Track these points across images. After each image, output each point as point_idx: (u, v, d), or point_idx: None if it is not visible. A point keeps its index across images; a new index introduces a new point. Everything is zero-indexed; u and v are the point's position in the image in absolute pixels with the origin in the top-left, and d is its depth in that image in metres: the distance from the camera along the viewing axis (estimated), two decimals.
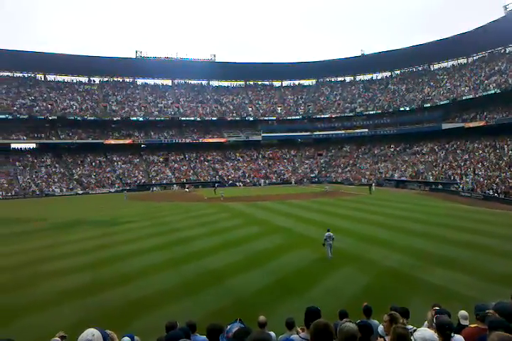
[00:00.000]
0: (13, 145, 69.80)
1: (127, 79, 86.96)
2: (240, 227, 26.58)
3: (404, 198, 43.35)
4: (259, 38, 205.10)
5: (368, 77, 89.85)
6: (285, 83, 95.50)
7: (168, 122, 78.89)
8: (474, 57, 73.13)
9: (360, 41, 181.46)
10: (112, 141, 72.99)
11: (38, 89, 75.19)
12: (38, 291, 13.96)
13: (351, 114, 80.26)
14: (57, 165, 68.11)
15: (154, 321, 10.22)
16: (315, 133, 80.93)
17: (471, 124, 57.45)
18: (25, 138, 67.67)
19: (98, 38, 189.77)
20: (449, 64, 77.59)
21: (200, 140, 78.50)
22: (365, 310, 6.64)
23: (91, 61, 74.58)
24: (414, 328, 5.08)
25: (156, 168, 73.23)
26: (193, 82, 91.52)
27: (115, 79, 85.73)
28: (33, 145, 71.82)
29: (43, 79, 79.15)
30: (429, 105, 67.62)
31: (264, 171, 75.88)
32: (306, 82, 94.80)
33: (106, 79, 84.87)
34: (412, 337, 3.51)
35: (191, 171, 73.69)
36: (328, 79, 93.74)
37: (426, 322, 5.77)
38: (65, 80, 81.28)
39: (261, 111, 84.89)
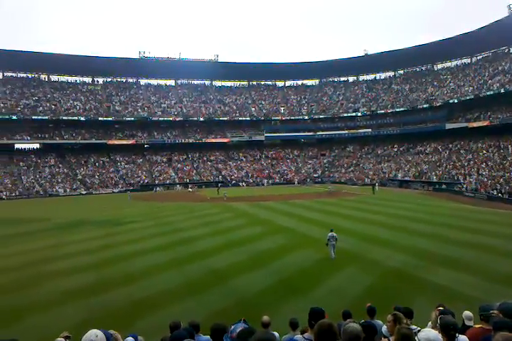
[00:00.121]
0: (16, 146, 70.02)
1: (130, 80, 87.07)
2: (243, 227, 26.58)
3: (408, 198, 43.26)
4: (262, 38, 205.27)
5: (371, 76, 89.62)
6: (288, 83, 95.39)
7: (171, 122, 78.98)
8: (478, 57, 72.84)
9: (363, 41, 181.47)
10: (116, 141, 73.10)
11: (41, 89, 75.39)
12: (42, 291, 14.00)
13: (354, 114, 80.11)
14: (60, 166, 68.29)
15: (158, 321, 10.24)
16: (318, 133, 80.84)
17: (475, 124, 57.25)
18: (28, 138, 67.89)
19: (101, 38, 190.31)
20: (452, 64, 77.31)
21: (203, 140, 78.51)
22: (368, 310, 6.63)
23: (94, 61, 74.72)
24: (419, 328, 5.07)
25: (159, 168, 73.31)
26: (196, 82, 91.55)
27: (118, 79, 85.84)
28: (36, 146, 72.01)
29: (46, 79, 79.30)
30: (432, 105, 67.42)
31: (267, 171, 75.86)
32: (309, 82, 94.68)
33: (109, 79, 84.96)
34: (416, 338, 3.50)
35: (194, 171, 73.75)
36: (331, 79, 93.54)
37: (430, 323, 5.75)
38: (69, 81, 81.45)
39: (264, 111, 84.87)
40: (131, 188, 63.22)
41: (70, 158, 70.97)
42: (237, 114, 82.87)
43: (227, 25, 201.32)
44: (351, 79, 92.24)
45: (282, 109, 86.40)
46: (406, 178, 58.99)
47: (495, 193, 41.01)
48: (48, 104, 71.82)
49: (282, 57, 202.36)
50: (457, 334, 4.12)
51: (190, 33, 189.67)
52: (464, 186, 46.96)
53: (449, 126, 61.29)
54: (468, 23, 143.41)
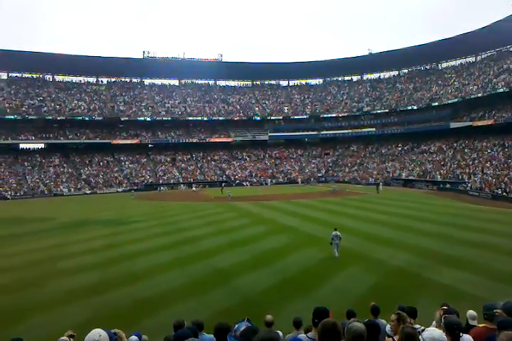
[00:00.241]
0: (21, 146, 70.28)
1: (135, 80, 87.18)
2: (246, 227, 26.61)
3: (412, 197, 43.15)
4: (266, 37, 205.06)
5: (375, 76, 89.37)
6: (292, 82, 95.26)
7: (175, 122, 79.05)
8: (482, 56, 72.53)
9: (367, 40, 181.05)
10: (120, 141, 73.23)
11: (46, 89, 75.64)
12: (46, 290, 14.08)
13: (358, 113, 79.91)
14: (65, 165, 68.51)
15: (161, 320, 10.27)
16: (322, 132, 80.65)
17: (480, 123, 57.02)
18: (33, 138, 68.14)
19: (106, 38, 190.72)
20: (457, 62, 77.02)
21: (207, 140, 78.55)
22: (372, 309, 6.63)
23: (99, 62, 74.89)
24: (423, 328, 5.06)
25: (163, 167, 73.43)
26: (200, 81, 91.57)
27: (123, 79, 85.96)
28: (41, 146, 72.25)
29: (51, 79, 79.54)
30: (437, 104, 67.15)
31: (270, 171, 75.84)
32: (313, 82, 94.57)
33: (114, 79, 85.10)
34: (420, 337, 3.49)
35: (198, 171, 73.81)
36: (335, 79, 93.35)
37: (434, 322, 5.75)
38: (73, 81, 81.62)
39: (268, 111, 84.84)
40: (135, 188, 63.32)
41: (75, 158, 71.19)
42: (241, 114, 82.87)
43: (231, 25, 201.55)
44: (355, 78, 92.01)
45: (286, 108, 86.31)
46: (410, 178, 58.83)
47: (499, 192, 40.86)
48: (52, 104, 72.05)
49: (286, 56, 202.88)
50: (461, 334, 4.11)
51: (194, 33, 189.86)
52: (469, 185, 46.80)
53: (453, 125, 61.01)
54: (473, 21, 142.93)
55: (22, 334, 5.60)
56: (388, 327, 5.49)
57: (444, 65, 79.07)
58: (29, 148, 71.38)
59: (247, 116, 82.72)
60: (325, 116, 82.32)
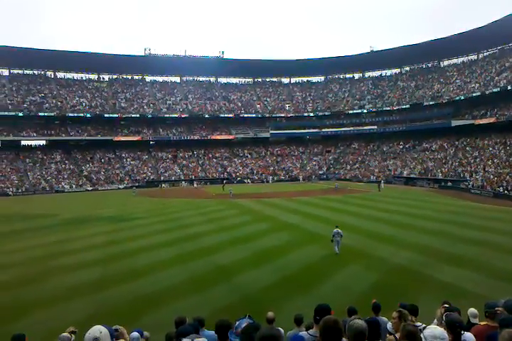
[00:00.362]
0: (23, 142, 70.22)
1: (136, 77, 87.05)
2: (248, 224, 26.64)
3: (413, 195, 43.13)
4: (268, 35, 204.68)
5: (377, 73, 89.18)
6: (293, 80, 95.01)
7: (176, 119, 79.06)
8: (485, 54, 72.25)
9: (369, 38, 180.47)
10: (121, 138, 73.22)
11: (47, 86, 75.62)
12: (48, 286, 14.11)
13: (360, 111, 79.81)
14: (66, 162, 68.58)
15: (163, 317, 10.30)
16: (323, 130, 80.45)
17: (481, 121, 56.93)
18: (35, 134, 68.19)
19: (107, 35, 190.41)
20: (459, 60, 76.71)
21: (209, 137, 78.51)
22: (373, 307, 6.64)
23: (100, 58, 74.82)
24: (424, 325, 5.06)
25: (164, 164, 73.46)
26: (201, 79, 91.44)
27: (124, 76, 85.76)
28: (42, 142, 72.29)
29: (52, 76, 79.52)
30: (438, 102, 67.04)
31: (272, 168, 75.81)
32: (314, 79, 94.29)
33: (115, 76, 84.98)
34: (421, 335, 3.49)
35: (199, 168, 73.82)
36: (336, 76, 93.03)
37: (435, 320, 5.75)
38: (75, 77, 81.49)
39: (269, 108, 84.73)
40: (137, 185, 63.32)
41: (76, 155, 71.24)
42: (243, 111, 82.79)
43: (232, 22, 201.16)
44: (357, 75, 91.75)
45: (287, 105, 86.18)
46: (412, 176, 58.78)
47: (501, 190, 40.82)
48: (54, 101, 72.05)
49: (288, 53, 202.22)
50: (463, 332, 4.11)
51: (195, 30, 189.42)
52: (470, 183, 46.77)
53: (455, 123, 60.88)
54: (476, 19, 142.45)
55: (23, 330, 5.62)
56: (389, 325, 5.50)
57: (446, 62, 78.87)
58: (31, 145, 71.34)
59: (249, 114, 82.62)
60: (326, 113, 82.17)
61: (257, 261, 16.63)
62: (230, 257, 17.51)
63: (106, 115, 73.33)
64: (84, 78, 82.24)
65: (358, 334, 3.00)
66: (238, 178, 71.04)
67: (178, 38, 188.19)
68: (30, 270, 16.34)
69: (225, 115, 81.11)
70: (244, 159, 78.49)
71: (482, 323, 5.04)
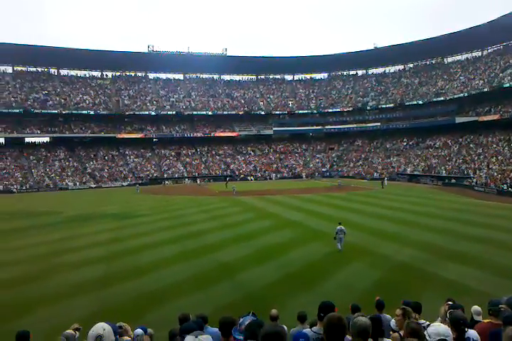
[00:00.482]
0: (27, 139, 70.60)
1: (139, 74, 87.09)
2: (251, 221, 26.65)
3: (417, 193, 43.04)
4: (271, 32, 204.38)
5: (380, 70, 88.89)
6: (297, 77, 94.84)
7: (179, 116, 79.07)
8: (489, 50, 71.92)
9: (372, 34, 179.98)
10: (125, 135, 73.39)
11: (51, 83, 75.75)
12: (52, 284, 14.14)
13: (363, 108, 79.68)
14: (70, 159, 68.76)
15: (166, 314, 10.32)
16: (326, 127, 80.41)
17: (485, 118, 56.67)
18: (38, 132, 68.35)
19: (110, 33, 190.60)
20: (463, 57, 76.43)
21: (212, 134, 78.62)
22: (377, 304, 6.63)
23: (104, 56, 74.88)
24: (428, 323, 5.06)
25: (167, 161, 73.55)
26: (204, 76, 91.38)
27: (127, 73, 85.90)
28: (46, 139, 72.60)
29: (56, 73, 79.64)
30: (442, 99, 66.77)
31: (275, 165, 75.82)
32: (317, 76, 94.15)
33: (118, 73, 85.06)
34: (425, 332, 3.49)
35: (203, 165, 73.90)
36: (340, 73, 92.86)
37: (439, 318, 5.74)
38: (78, 75, 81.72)
39: (272, 105, 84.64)
40: (140, 182, 63.42)
41: (80, 152, 71.41)
42: (246, 108, 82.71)
43: (236, 19, 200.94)
44: (360, 72, 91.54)
45: (291, 102, 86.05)
46: (415, 173, 58.67)
47: (505, 187, 40.69)
48: (57, 98, 72.20)
49: (291, 50, 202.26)
50: (466, 329, 4.11)
51: (199, 27, 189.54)
52: (474, 180, 46.64)
53: (459, 119, 60.63)
54: (480, 15, 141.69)
55: (27, 327, 5.63)
56: (393, 322, 5.50)
57: (450, 59, 78.51)
58: (34, 142, 71.69)
59: (252, 111, 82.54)
60: (330, 110, 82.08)
61: (260, 259, 16.63)
62: (233, 254, 17.52)
63: (109, 112, 73.43)
64: (87, 75, 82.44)
65: (361, 332, 3.00)
66: (241, 175, 71.07)
67: (182, 35, 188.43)
68: (34, 267, 16.38)
69: (228, 112, 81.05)
70: (247, 156, 78.50)
71: (486, 321, 5.03)
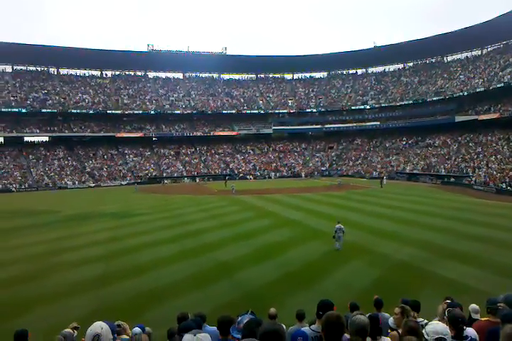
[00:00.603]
0: (26, 139, 70.50)
1: (139, 73, 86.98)
2: (250, 220, 26.65)
3: (416, 191, 43.05)
4: (271, 31, 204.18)
5: (380, 69, 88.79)
6: (296, 76, 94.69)
7: (179, 115, 79.02)
8: (488, 49, 71.82)
9: (372, 33, 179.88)
10: (124, 134, 73.32)
11: (50, 82, 75.68)
12: (51, 283, 14.14)
13: (363, 107, 79.56)
14: (69, 158, 68.71)
15: (165, 313, 10.34)
16: (326, 126, 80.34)
17: (485, 117, 56.67)
18: (38, 131, 68.26)
19: (110, 32, 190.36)
20: (462, 56, 76.29)
21: (211, 133, 78.57)
22: (375, 302, 6.63)
23: (103, 55, 74.74)
24: (426, 321, 5.06)
25: (167, 161, 73.52)
26: (204, 75, 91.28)
27: (127, 72, 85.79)
28: (45, 139, 72.50)
29: (55, 72, 79.51)
30: (442, 97, 66.75)
31: (274, 164, 75.78)
32: (317, 75, 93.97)
33: (118, 72, 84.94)
34: (423, 331, 3.49)
35: (202, 164, 73.87)
36: (339, 72, 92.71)
37: (438, 317, 5.74)
38: (78, 74, 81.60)
39: (272, 104, 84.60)
40: (139, 181, 63.38)
41: (79, 151, 71.36)
42: (245, 107, 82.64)
43: (235, 18, 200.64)
44: (360, 71, 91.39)
45: (290, 101, 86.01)
46: (414, 171, 58.68)
47: (504, 186, 40.72)
48: (57, 97, 72.14)
49: (290, 49, 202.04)
50: (465, 327, 4.11)
51: (198, 26, 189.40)
52: (473, 179, 46.67)
53: (458, 118, 60.62)
54: (479, 14, 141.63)
55: (25, 326, 5.62)
56: (392, 321, 5.50)
57: (450, 58, 78.42)
58: (34, 141, 71.62)
59: (251, 110, 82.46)
60: (329, 109, 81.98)
61: (259, 258, 16.64)
62: (232, 253, 17.52)
63: (109, 111, 73.36)
64: (87, 74, 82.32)
65: (360, 330, 3.01)
66: (241, 174, 71.06)
67: (181, 34, 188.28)
68: (33, 266, 16.39)
69: (228, 111, 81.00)
70: (246, 155, 78.47)
71: (484, 319, 5.04)
